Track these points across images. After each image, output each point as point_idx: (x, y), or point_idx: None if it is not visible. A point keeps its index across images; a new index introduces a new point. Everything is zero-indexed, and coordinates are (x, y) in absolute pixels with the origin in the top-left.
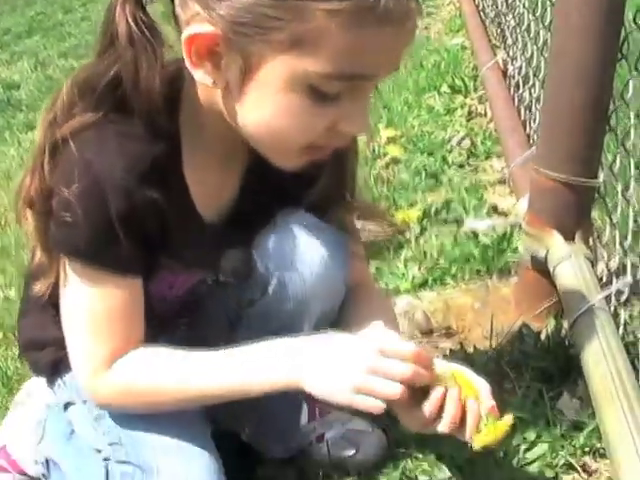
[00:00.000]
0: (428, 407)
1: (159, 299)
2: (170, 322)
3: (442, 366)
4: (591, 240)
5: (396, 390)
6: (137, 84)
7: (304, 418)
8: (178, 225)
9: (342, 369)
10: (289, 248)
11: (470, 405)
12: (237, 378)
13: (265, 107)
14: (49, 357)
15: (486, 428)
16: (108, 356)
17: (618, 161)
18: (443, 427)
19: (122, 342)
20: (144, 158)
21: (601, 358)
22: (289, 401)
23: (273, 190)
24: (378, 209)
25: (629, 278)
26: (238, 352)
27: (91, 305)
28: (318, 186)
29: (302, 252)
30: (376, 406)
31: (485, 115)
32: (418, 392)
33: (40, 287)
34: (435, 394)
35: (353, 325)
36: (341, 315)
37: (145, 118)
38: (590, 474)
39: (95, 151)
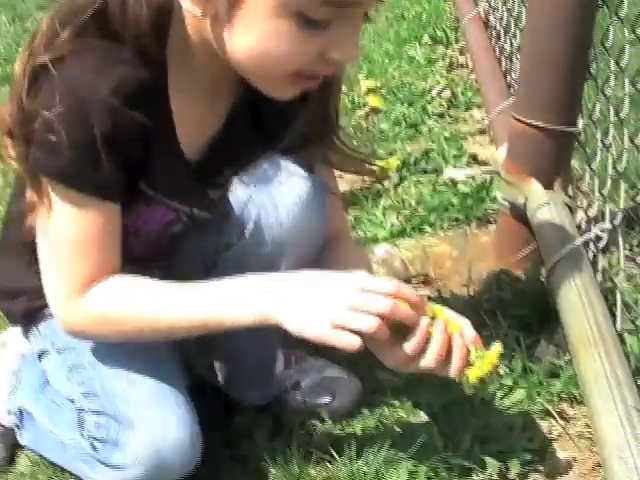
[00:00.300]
0: (413, 339)
1: (134, 234)
2: (145, 266)
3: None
4: (571, 190)
5: (372, 323)
6: (124, 11)
7: (280, 366)
8: (159, 153)
9: (319, 304)
10: (267, 191)
11: (456, 339)
12: (212, 308)
13: (254, 34)
14: (22, 306)
15: (477, 360)
16: (82, 281)
17: (598, 109)
18: (428, 361)
19: (97, 269)
20: (130, 81)
21: (579, 304)
22: (265, 349)
23: (256, 128)
24: (361, 151)
25: (607, 224)
26: (213, 284)
27: (70, 228)
28: (301, 121)
29: (280, 195)
30: (352, 342)
31: (466, 66)
32: (401, 329)
33: (30, 221)
34: (421, 326)
35: None
36: (318, 266)
37: (132, 44)
38: (567, 420)
39: (79, 71)
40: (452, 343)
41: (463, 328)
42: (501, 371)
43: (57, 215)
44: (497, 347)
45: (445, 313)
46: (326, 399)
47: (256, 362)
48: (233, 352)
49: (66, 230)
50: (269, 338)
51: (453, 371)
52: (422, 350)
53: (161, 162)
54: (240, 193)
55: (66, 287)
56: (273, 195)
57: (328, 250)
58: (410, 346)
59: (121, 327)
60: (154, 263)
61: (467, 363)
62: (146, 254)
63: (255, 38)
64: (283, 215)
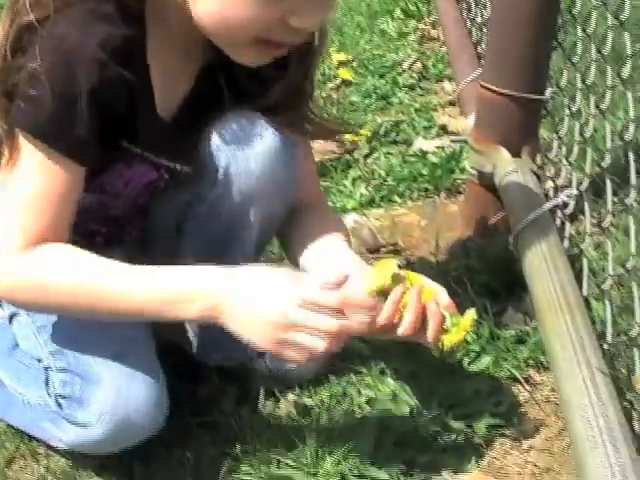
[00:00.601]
0: (385, 309)
1: (114, 196)
2: (121, 227)
3: (399, 271)
4: (539, 159)
5: (319, 346)
6: None
7: None
8: (140, 110)
9: (263, 320)
10: (238, 143)
11: (431, 307)
12: (154, 302)
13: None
14: None
15: (452, 327)
16: (30, 237)
17: (565, 77)
18: (404, 330)
19: (47, 230)
20: (116, 36)
21: (545, 270)
22: None
23: (229, 89)
24: (335, 122)
25: (574, 190)
26: (161, 273)
27: (34, 181)
28: (277, 89)
29: (250, 147)
30: (297, 359)
31: (438, 39)
32: (377, 296)
33: None
34: (394, 294)
35: (306, 244)
36: (293, 234)
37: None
38: (534, 386)
39: (65, 28)
40: (427, 311)
41: (438, 295)
42: (469, 338)
43: (24, 168)
44: (471, 313)
45: (421, 280)
46: (291, 365)
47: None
48: None
49: (30, 182)
50: None
51: (429, 338)
52: (398, 318)
53: (142, 118)
54: (212, 146)
55: (13, 238)
56: (243, 146)
57: (304, 216)
58: (384, 315)
59: (56, 298)
60: (131, 224)
61: (442, 330)
62: (124, 214)
63: (215, 2)
64: (252, 165)
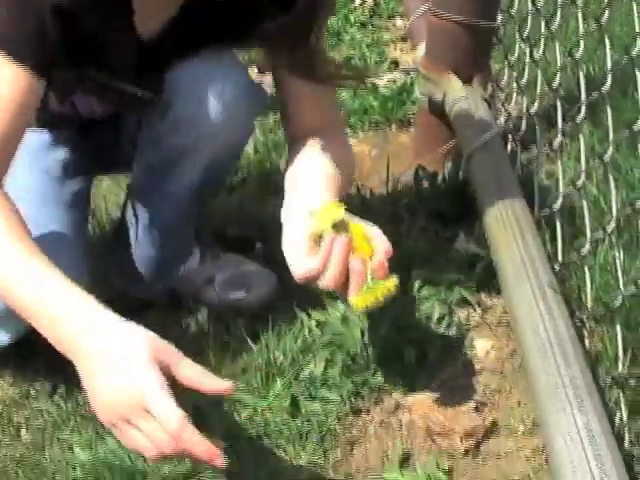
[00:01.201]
0: (318, 256)
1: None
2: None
3: (342, 217)
4: (490, 88)
5: (152, 452)
6: None
7: (195, 262)
8: (113, 34)
9: (105, 397)
10: (199, 81)
11: (354, 265)
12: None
13: None
14: None
15: (366, 289)
16: None
17: (516, 4)
18: (326, 281)
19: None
20: None
21: (495, 192)
22: (180, 241)
23: (215, 22)
24: (337, 65)
25: (524, 112)
26: (52, 290)
27: None
28: (273, 25)
29: (210, 87)
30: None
31: None
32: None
33: None
34: (324, 244)
35: (290, 179)
36: (288, 165)
37: None
38: (485, 310)
39: None
40: (350, 269)
41: (375, 252)
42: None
43: None
44: (392, 281)
45: (362, 232)
46: (240, 294)
47: (170, 252)
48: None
49: None
50: (186, 233)
51: (347, 295)
52: (325, 267)
53: (116, 38)
54: (174, 77)
55: None
56: (203, 84)
57: (296, 147)
58: (311, 264)
59: None
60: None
61: (360, 290)
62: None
63: None
64: (210, 104)
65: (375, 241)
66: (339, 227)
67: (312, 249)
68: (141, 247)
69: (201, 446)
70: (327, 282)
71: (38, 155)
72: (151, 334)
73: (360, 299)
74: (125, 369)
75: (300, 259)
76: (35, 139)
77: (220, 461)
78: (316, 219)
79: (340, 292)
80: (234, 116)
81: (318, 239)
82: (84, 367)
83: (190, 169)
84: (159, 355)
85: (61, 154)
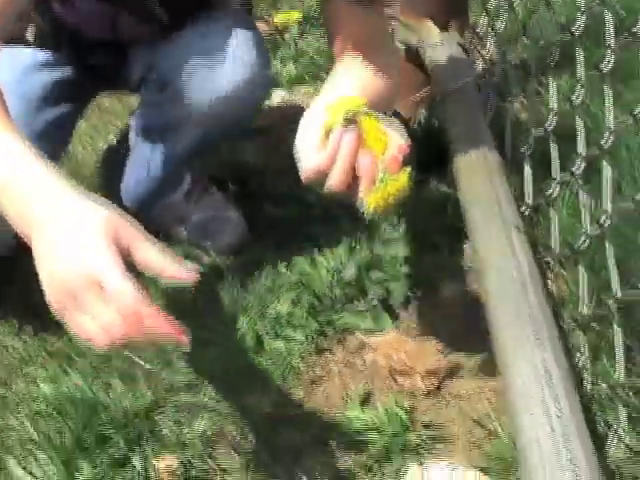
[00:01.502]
0: (322, 154)
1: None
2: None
3: (358, 110)
4: (468, 35)
5: (101, 339)
6: None
7: (182, 192)
8: None
9: (54, 269)
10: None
11: (363, 161)
12: None
13: None
14: None
15: (377, 187)
16: None
17: None
18: (331, 181)
19: None
20: None
21: (466, 138)
22: (173, 173)
23: None
24: None
25: (500, 59)
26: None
27: None
28: None
29: (219, 65)
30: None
31: None
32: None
33: None
34: (331, 138)
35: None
36: None
37: None
38: (454, 253)
39: None
40: (358, 165)
41: (389, 142)
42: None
43: None
44: (405, 174)
45: (376, 126)
46: (207, 243)
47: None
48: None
49: None
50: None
51: (357, 195)
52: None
53: None
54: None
55: None
56: (213, 61)
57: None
58: (314, 163)
59: None
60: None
61: (372, 189)
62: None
63: None
64: (218, 80)
65: (390, 132)
66: (352, 121)
67: (323, 144)
68: (134, 167)
69: (162, 321)
70: (332, 181)
71: (22, 78)
72: (114, 212)
73: (370, 198)
74: (76, 240)
75: (308, 155)
76: (27, 57)
77: (186, 340)
78: (329, 112)
79: (351, 194)
80: (241, 92)
81: (329, 133)
82: (36, 241)
83: (185, 133)
84: (118, 233)
85: (51, 75)
